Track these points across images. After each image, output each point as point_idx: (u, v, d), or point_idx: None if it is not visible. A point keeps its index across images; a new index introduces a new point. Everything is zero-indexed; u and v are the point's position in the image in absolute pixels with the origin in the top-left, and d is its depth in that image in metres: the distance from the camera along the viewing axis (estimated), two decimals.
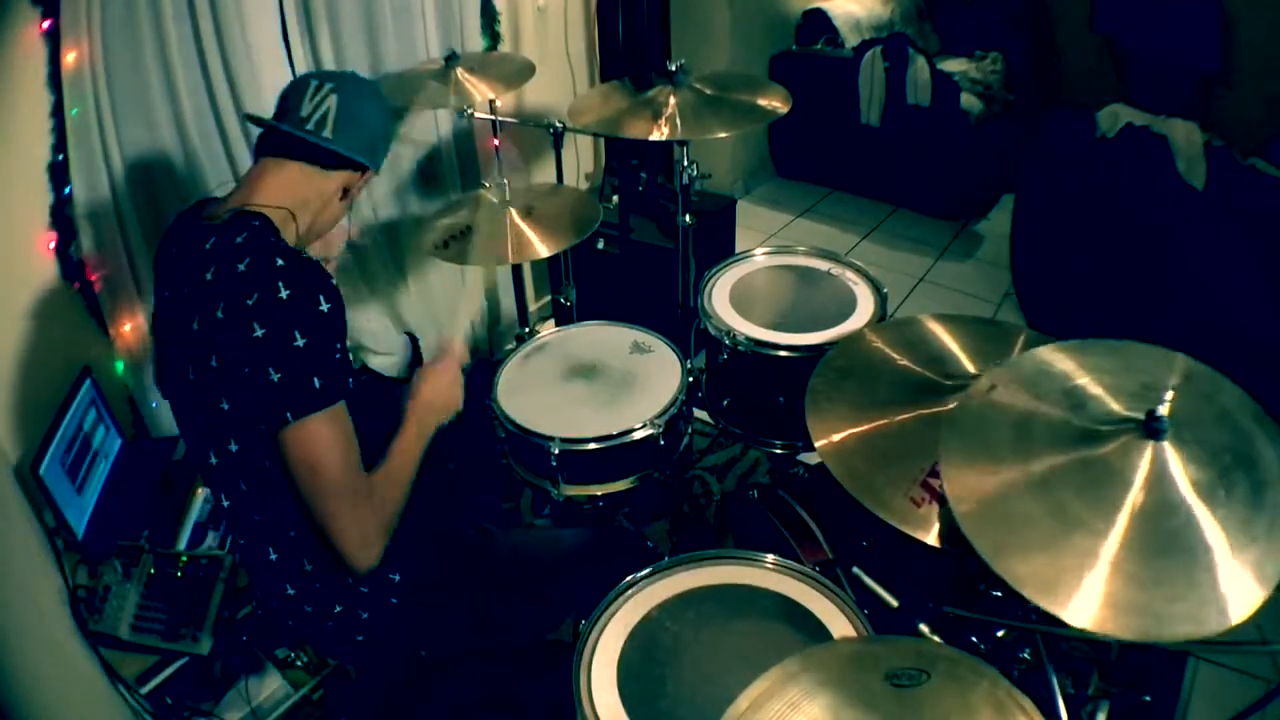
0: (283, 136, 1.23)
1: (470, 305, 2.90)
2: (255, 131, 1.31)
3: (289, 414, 1.10)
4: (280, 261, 1.11)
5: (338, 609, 1.30)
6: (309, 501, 1.16)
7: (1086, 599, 0.86)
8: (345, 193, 1.32)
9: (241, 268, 1.11)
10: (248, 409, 1.13)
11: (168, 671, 1.63)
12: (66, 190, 1.72)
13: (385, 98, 1.35)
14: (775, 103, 1.99)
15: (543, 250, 1.88)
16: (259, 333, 1.08)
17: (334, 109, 1.22)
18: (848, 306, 1.84)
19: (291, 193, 1.24)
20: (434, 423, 1.37)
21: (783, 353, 1.73)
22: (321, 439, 1.12)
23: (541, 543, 1.63)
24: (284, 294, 1.09)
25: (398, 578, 1.33)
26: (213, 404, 1.16)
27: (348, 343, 1.19)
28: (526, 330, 2.39)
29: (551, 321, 2.69)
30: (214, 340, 1.13)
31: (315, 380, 1.10)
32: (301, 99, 1.23)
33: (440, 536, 1.44)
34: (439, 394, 1.41)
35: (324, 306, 1.12)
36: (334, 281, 1.17)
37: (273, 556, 1.27)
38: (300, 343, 1.09)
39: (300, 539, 1.23)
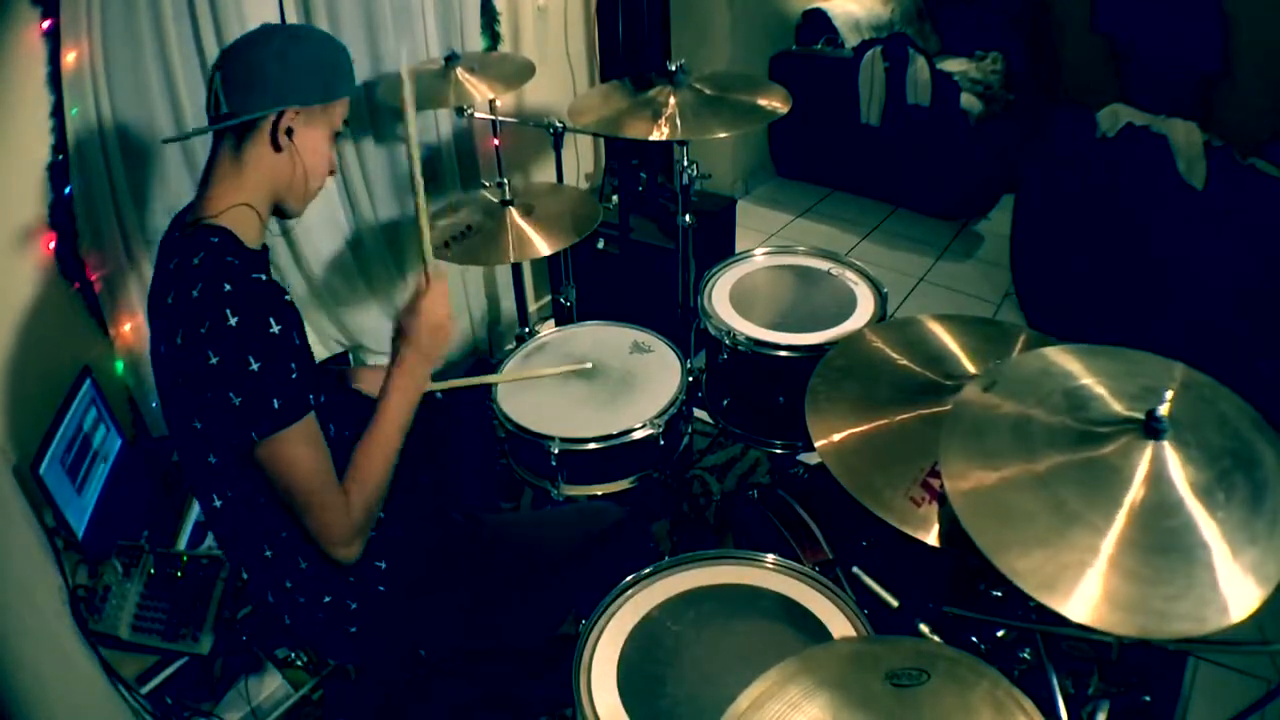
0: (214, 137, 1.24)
1: (475, 307, 2.90)
2: None
3: (254, 434, 1.11)
4: (228, 287, 1.11)
5: (327, 599, 1.30)
6: (287, 507, 1.18)
7: (1086, 595, 0.86)
8: (275, 143, 1.23)
9: (195, 294, 1.11)
10: (216, 429, 1.16)
11: (168, 671, 1.63)
12: (66, 190, 1.72)
13: (284, 32, 1.26)
14: (775, 103, 1.99)
15: (543, 249, 1.88)
16: (214, 360, 1.09)
17: (220, 83, 1.20)
18: (848, 306, 1.84)
19: (241, 181, 1.23)
20: (421, 383, 1.32)
21: (783, 353, 1.73)
22: (286, 456, 1.13)
23: (530, 525, 1.62)
24: (233, 321, 1.09)
25: (384, 565, 1.33)
26: (187, 422, 1.19)
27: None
28: (526, 330, 2.39)
29: (551, 321, 2.69)
30: (177, 365, 1.15)
31: (274, 401, 1.11)
32: (207, 94, 1.23)
33: (432, 527, 1.43)
34: (424, 341, 1.32)
35: (274, 329, 1.11)
36: (288, 298, 1.16)
37: (268, 554, 1.28)
38: (255, 367, 1.09)
39: (293, 538, 1.23)
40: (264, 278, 1.16)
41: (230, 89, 1.19)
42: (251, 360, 1.09)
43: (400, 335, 1.33)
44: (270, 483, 1.16)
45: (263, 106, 1.21)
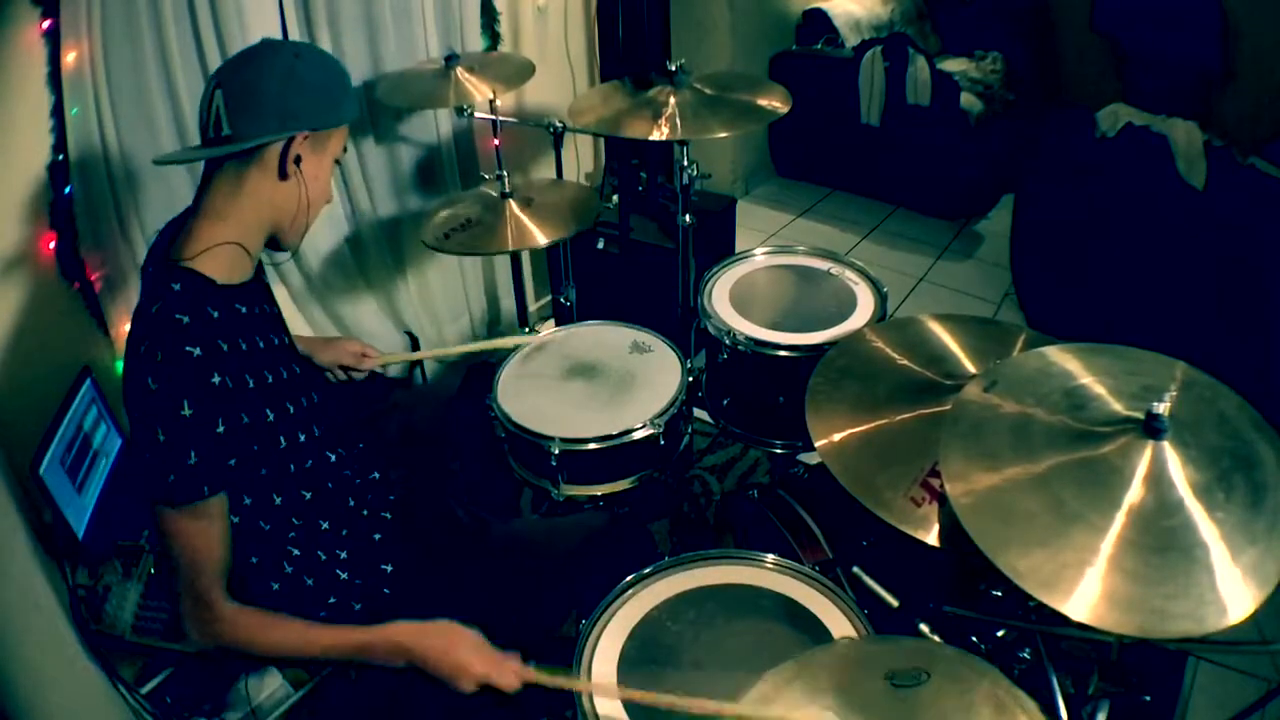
0: (208, 158, 1.18)
1: (475, 306, 2.90)
2: None
3: (150, 496, 1.11)
4: (159, 355, 1.08)
5: (332, 600, 1.30)
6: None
7: (1086, 594, 0.86)
8: (283, 171, 1.18)
9: (141, 349, 1.10)
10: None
11: (168, 671, 1.63)
12: (66, 190, 1.71)
13: (288, 50, 1.19)
14: (775, 103, 1.99)
15: (542, 239, 1.88)
16: (135, 415, 1.10)
17: (221, 102, 1.13)
18: (848, 306, 1.84)
19: (236, 213, 1.18)
20: (387, 659, 1.18)
21: (783, 352, 1.73)
22: (168, 530, 1.11)
23: (538, 532, 1.62)
24: (153, 387, 1.08)
25: (390, 568, 1.33)
26: None
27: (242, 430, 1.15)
28: (526, 330, 2.39)
29: (551, 321, 2.69)
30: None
31: (170, 476, 1.09)
32: (202, 110, 1.17)
33: (437, 529, 1.44)
34: (440, 668, 1.18)
35: (186, 411, 1.08)
36: (216, 381, 1.11)
37: (254, 560, 1.28)
38: (161, 438, 1.08)
39: (274, 541, 1.23)
40: (197, 352, 1.09)
41: (234, 110, 1.13)
42: (160, 431, 1.08)
43: (441, 644, 1.18)
44: None
45: (271, 131, 1.14)
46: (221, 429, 1.12)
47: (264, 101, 1.14)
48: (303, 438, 1.29)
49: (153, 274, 1.18)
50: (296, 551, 1.28)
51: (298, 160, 1.18)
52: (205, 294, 1.14)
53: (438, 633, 1.18)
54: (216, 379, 1.11)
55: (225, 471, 1.14)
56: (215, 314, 1.14)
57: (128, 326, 1.87)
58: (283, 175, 1.18)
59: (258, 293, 1.30)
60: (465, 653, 1.17)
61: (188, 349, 1.09)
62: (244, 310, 1.21)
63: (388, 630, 1.17)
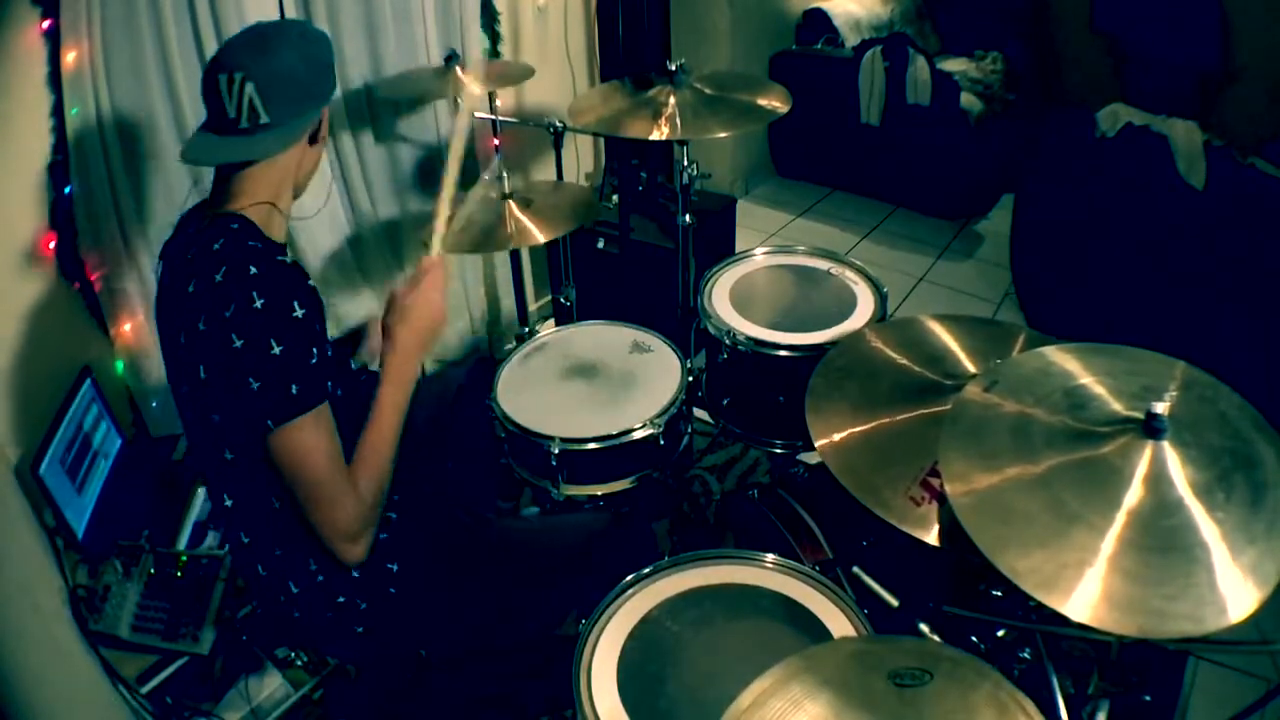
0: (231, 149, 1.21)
1: (475, 306, 2.90)
2: None
3: (270, 421, 1.11)
4: (254, 270, 1.12)
5: (340, 599, 1.30)
6: (297, 500, 1.18)
7: (1085, 594, 0.86)
8: (314, 138, 1.29)
9: (218, 278, 1.12)
10: (234, 419, 1.16)
11: (168, 671, 1.64)
12: (66, 190, 1.72)
13: (293, 32, 1.26)
14: (775, 103, 1.99)
15: (541, 238, 1.88)
16: (237, 343, 1.10)
17: (254, 93, 1.17)
18: (848, 306, 1.84)
19: (266, 182, 1.23)
20: (415, 368, 1.33)
21: (783, 352, 1.73)
22: (301, 444, 1.14)
23: (538, 532, 1.63)
24: (259, 303, 1.10)
25: (395, 567, 1.33)
26: (206, 416, 1.19)
27: (332, 339, 1.20)
28: (526, 330, 2.39)
29: (551, 321, 2.69)
30: (199, 354, 1.15)
31: (293, 387, 1.11)
32: (222, 102, 1.18)
33: (440, 529, 1.44)
34: (419, 328, 1.33)
35: (298, 312, 1.12)
36: (311, 283, 1.18)
37: (278, 553, 1.28)
38: (277, 350, 1.10)
39: (305, 539, 1.24)
40: (289, 260, 1.18)
41: (270, 100, 1.17)
42: (274, 344, 1.10)
43: (396, 320, 1.33)
44: (281, 474, 1.16)
45: (309, 111, 1.24)
46: (319, 328, 1.16)
47: (297, 87, 1.21)
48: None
49: (194, 234, 1.22)
50: (317, 560, 1.28)
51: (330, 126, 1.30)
52: (261, 237, 1.20)
53: (403, 333, 1.32)
54: (312, 283, 1.18)
55: (335, 369, 1.20)
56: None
57: (128, 326, 1.90)
58: (314, 141, 1.29)
59: None
60: (422, 312, 1.33)
61: (280, 259, 1.17)
62: (288, 261, 1.25)
63: (383, 381, 1.29)
